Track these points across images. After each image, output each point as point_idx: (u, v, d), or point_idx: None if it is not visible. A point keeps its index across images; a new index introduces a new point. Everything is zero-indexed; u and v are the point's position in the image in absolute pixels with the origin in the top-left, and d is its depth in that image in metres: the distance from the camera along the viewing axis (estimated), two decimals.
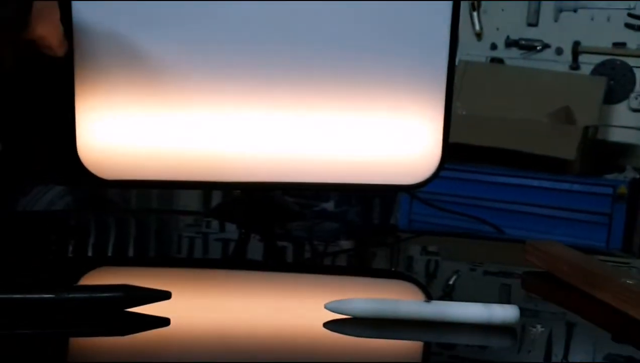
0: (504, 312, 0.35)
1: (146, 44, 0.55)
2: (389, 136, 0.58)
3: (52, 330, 0.34)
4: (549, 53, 1.57)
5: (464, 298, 0.36)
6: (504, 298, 0.46)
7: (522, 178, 1.42)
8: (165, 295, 0.35)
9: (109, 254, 0.54)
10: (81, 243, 0.58)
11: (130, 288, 0.35)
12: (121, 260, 0.53)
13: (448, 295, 0.45)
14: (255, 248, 0.59)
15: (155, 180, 0.58)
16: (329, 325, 0.35)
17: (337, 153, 0.58)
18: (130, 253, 0.56)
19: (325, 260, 0.57)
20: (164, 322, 0.35)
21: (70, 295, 0.33)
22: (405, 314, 0.35)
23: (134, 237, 0.62)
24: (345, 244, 0.63)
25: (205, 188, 0.69)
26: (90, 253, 0.54)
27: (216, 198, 0.75)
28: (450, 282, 0.48)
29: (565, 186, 1.36)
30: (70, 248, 0.56)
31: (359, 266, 0.55)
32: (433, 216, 0.96)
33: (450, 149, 0.60)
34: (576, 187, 1.35)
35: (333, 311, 0.36)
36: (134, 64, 0.55)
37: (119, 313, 0.35)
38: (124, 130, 0.57)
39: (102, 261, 0.52)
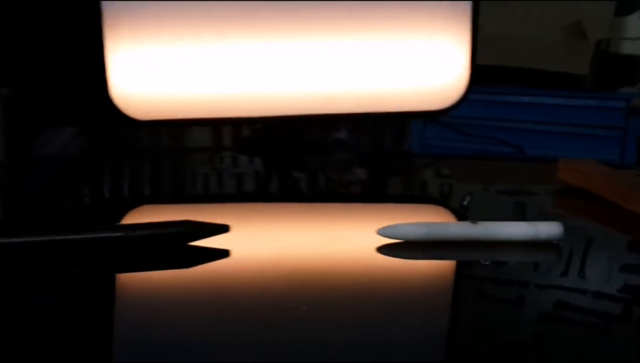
0: (549, 229, 0.37)
1: None
2: (411, 61, 0.59)
3: (121, 267, 0.35)
4: None
5: (482, 218, 0.38)
6: (518, 216, 0.47)
7: (534, 95, 1.42)
8: (223, 229, 0.37)
9: (142, 193, 0.56)
10: (110, 184, 0.59)
11: (192, 223, 0.36)
12: (157, 198, 0.54)
13: (464, 215, 0.46)
14: (277, 182, 0.60)
15: (183, 118, 0.59)
16: (382, 249, 0.37)
17: (359, 81, 0.59)
18: (162, 191, 0.57)
19: (342, 190, 0.58)
20: (224, 253, 0.37)
21: (138, 233, 0.35)
22: (454, 235, 0.37)
23: (157, 176, 0.63)
24: (361, 173, 0.64)
25: (230, 124, 0.70)
26: (132, 193, 0.56)
27: (227, 133, 0.76)
28: (465, 203, 0.49)
29: (579, 102, 1.36)
30: (100, 190, 0.57)
31: (381, 193, 0.57)
32: (448, 141, 0.97)
33: None
34: (590, 102, 1.35)
35: (385, 236, 0.37)
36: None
37: (182, 247, 0.36)
38: (153, 70, 0.57)
39: (138, 200, 0.53)
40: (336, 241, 0.41)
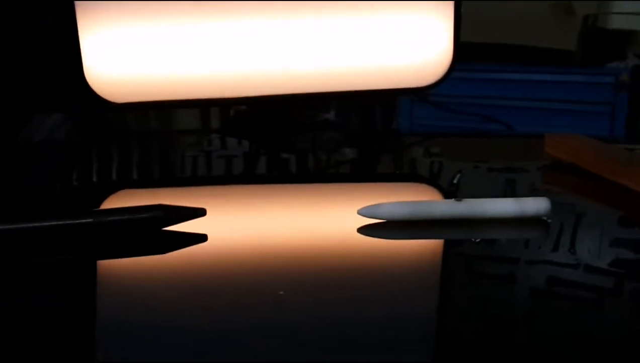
0: (536, 205, 0.36)
1: None
2: (394, 37, 0.57)
3: (93, 254, 0.34)
4: None
5: (472, 196, 0.37)
6: (509, 193, 0.46)
7: (522, 72, 1.41)
8: (201, 212, 0.36)
9: (124, 177, 0.54)
10: (92, 168, 0.58)
11: (167, 207, 0.35)
12: (139, 182, 0.53)
13: (453, 194, 0.45)
14: (264, 162, 0.59)
15: (165, 100, 0.57)
16: (362, 229, 0.36)
17: (342, 59, 0.57)
18: (142, 175, 0.56)
19: (331, 170, 0.57)
20: (202, 237, 0.35)
21: (109, 218, 0.33)
22: (438, 214, 0.36)
23: (140, 159, 0.62)
24: (349, 152, 0.63)
25: (215, 105, 0.69)
26: (108, 178, 0.54)
27: (214, 115, 0.75)
28: (455, 181, 0.48)
29: (567, 77, 1.35)
30: (82, 174, 0.56)
31: (369, 172, 0.56)
32: (436, 119, 0.95)
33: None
34: (578, 78, 1.34)
35: (366, 216, 0.36)
36: None
37: (157, 232, 0.35)
38: (129, 52, 0.55)
39: (120, 184, 0.52)
40: (319, 221, 0.39)
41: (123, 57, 0.55)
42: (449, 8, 0.56)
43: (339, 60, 0.57)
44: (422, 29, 0.57)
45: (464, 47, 0.59)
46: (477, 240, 0.35)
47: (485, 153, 0.60)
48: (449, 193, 0.45)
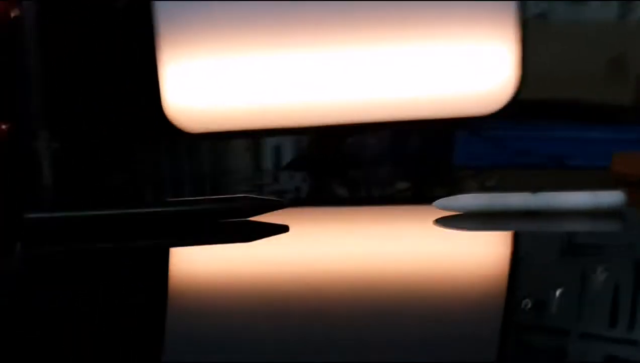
0: (611, 197, 0.36)
1: None
2: (455, 66, 0.59)
3: (182, 241, 0.36)
4: (595, 3, 1.55)
5: None
6: None
7: (577, 130, 1.41)
8: (281, 204, 0.37)
9: None
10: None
11: (251, 198, 0.37)
12: None
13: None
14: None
15: (240, 130, 0.60)
16: (439, 221, 0.37)
17: (403, 88, 0.59)
18: None
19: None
20: (284, 228, 0.37)
21: (203, 206, 0.35)
22: (514, 206, 0.37)
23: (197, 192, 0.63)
24: (403, 185, 0.63)
25: (290, 133, 0.69)
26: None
27: (268, 150, 0.75)
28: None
29: (622, 135, 1.35)
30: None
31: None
32: (492, 152, 0.95)
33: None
34: (633, 136, 1.34)
35: (442, 208, 0.37)
36: (213, 13, 0.57)
37: (242, 222, 0.37)
38: (205, 82, 0.59)
39: None
40: (393, 220, 0.41)
41: (200, 88, 0.58)
42: (511, 35, 0.58)
43: (398, 89, 0.59)
44: (483, 57, 0.58)
45: (516, 105, 0.61)
46: (528, 306, 0.29)
47: (542, 184, 0.60)
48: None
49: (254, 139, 0.69)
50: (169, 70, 0.58)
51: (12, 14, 0.35)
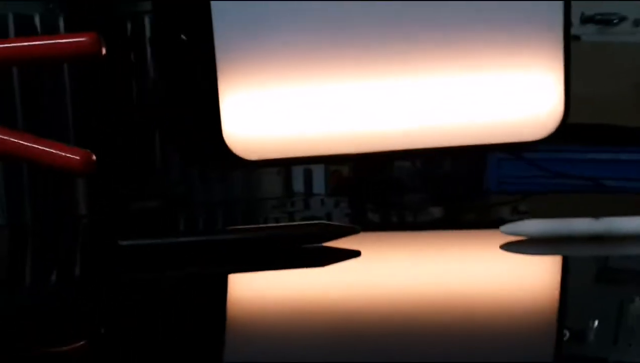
0: None
1: (280, 23, 0.59)
2: (501, 93, 0.60)
3: (261, 266, 0.38)
4: (626, 25, 1.56)
5: None
6: None
7: (611, 152, 1.41)
8: (354, 230, 0.39)
9: None
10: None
11: (325, 225, 0.39)
12: None
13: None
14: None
15: (296, 157, 0.62)
16: (505, 246, 0.38)
17: (451, 115, 0.60)
18: None
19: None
20: (355, 253, 0.39)
21: (278, 232, 0.37)
22: (578, 231, 0.38)
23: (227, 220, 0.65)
24: (436, 211, 0.64)
25: (334, 162, 0.71)
26: None
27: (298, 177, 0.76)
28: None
29: None
30: None
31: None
32: (524, 176, 0.95)
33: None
34: None
35: (508, 233, 0.39)
36: (271, 45, 0.59)
37: (316, 247, 0.39)
38: (261, 111, 0.61)
39: None
40: (457, 246, 0.42)
41: (258, 116, 0.61)
42: (559, 61, 0.59)
43: (447, 115, 0.61)
44: (530, 83, 0.60)
45: (565, 129, 0.62)
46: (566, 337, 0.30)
47: (577, 209, 0.59)
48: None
49: (306, 166, 0.72)
50: (227, 100, 0.61)
51: (104, 51, 0.37)
